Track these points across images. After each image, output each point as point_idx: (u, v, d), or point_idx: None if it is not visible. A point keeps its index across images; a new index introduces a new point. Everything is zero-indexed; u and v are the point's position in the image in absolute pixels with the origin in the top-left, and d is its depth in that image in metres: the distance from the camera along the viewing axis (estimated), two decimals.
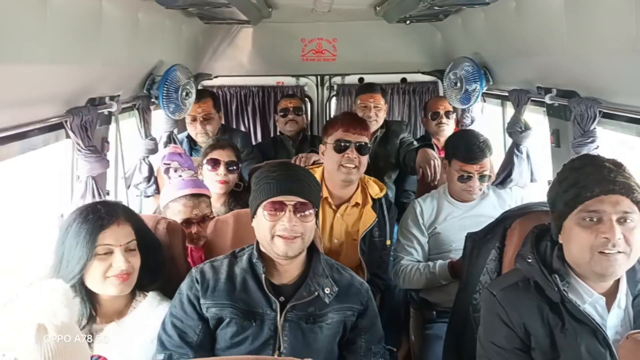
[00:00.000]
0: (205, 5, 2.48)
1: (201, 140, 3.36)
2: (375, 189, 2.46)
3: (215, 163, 2.70)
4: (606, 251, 1.41)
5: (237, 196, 2.81)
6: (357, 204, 2.44)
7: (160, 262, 1.76)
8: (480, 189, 2.54)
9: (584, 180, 1.45)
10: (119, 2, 2.20)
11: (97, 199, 2.19)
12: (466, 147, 2.50)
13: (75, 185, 2.26)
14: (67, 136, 2.19)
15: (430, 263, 2.47)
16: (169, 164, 2.38)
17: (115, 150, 2.69)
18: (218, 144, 2.80)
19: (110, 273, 1.62)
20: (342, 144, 2.36)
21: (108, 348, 1.58)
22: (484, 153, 2.48)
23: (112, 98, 2.49)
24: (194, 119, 3.35)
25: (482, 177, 2.50)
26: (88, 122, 2.16)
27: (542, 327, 1.51)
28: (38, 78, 1.85)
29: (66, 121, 2.10)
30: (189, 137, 3.51)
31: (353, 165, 2.34)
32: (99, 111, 2.33)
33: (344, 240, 2.43)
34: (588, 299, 1.50)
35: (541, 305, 1.52)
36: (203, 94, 3.39)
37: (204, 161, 2.73)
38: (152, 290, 1.75)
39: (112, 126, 2.66)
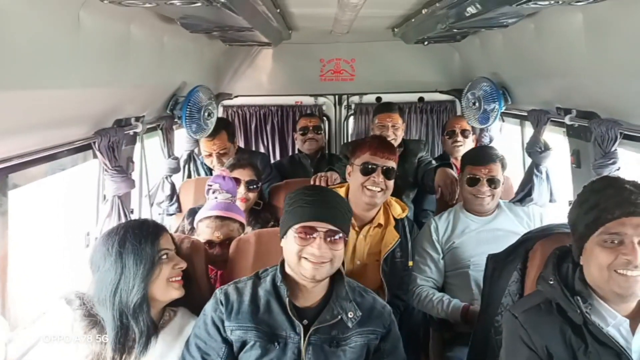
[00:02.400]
0: (228, 29, 2.54)
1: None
2: (397, 210, 2.47)
3: (235, 182, 2.74)
4: (628, 273, 1.41)
5: (257, 214, 2.85)
6: (379, 225, 2.44)
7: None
8: (491, 196, 2.55)
9: (605, 202, 1.45)
10: (146, 26, 2.27)
11: (123, 218, 2.24)
12: (476, 152, 2.68)
13: (101, 205, 2.31)
14: (95, 156, 2.25)
15: (445, 299, 2.45)
16: (211, 186, 2.45)
17: (140, 170, 2.74)
18: (238, 164, 2.84)
19: (172, 277, 1.70)
20: (369, 166, 2.36)
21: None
22: (492, 157, 2.57)
23: (137, 119, 2.55)
24: (210, 154, 3.35)
25: (490, 181, 2.53)
26: (115, 142, 2.22)
27: (565, 350, 1.49)
28: (69, 101, 1.91)
29: (94, 142, 2.16)
30: None
31: (379, 189, 2.34)
32: (125, 132, 2.39)
33: (367, 261, 2.42)
34: (611, 321, 1.48)
35: (564, 327, 1.50)
36: (217, 129, 3.32)
37: None
38: (179, 306, 1.78)
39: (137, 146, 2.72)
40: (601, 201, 1.46)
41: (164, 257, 1.70)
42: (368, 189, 2.35)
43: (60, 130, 2.00)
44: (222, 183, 2.43)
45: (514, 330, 1.57)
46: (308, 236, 1.65)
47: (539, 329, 1.53)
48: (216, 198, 2.38)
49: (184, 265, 1.74)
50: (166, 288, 1.70)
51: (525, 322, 1.55)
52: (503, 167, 2.61)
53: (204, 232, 2.30)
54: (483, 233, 2.56)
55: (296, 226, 1.67)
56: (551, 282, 1.56)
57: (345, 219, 1.72)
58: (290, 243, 1.68)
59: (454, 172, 3.02)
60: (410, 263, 2.47)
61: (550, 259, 1.66)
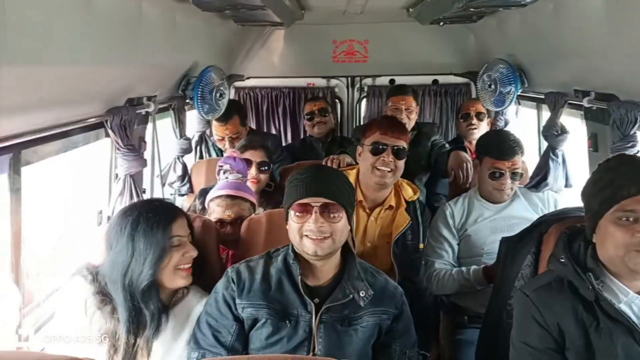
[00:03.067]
0: (240, 7, 2.52)
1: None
2: (409, 192, 2.45)
3: (247, 163, 2.74)
4: None
5: (269, 196, 2.84)
6: (390, 207, 2.42)
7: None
8: (512, 188, 2.51)
9: (620, 179, 1.44)
10: (158, 4, 2.25)
11: (135, 197, 2.24)
12: (498, 144, 2.49)
13: (113, 183, 2.33)
14: (107, 135, 2.26)
15: (464, 269, 2.44)
16: (222, 166, 2.44)
17: (152, 150, 2.75)
18: (250, 145, 2.83)
19: (180, 264, 1.68)
20: (380, 146, 2.33)
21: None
22: (516, 150, 2.47)
23: (149, 98, 2.55)
24: (222, 139, 3.35)
25: (513, 175, 2.48)
26: (127, 121, 2.22)
27: (577, 327, 1.49)
28: (80, 79, 1.91)
29: (106, 120, 2.16)
30: None
31: (388, 169, 2.32)
32: (137, 111, 2.39)
33: (377, 243, 2.42)
34: (623, 298, 1.47)
35: (575, 304, 1.50)
36: (229, 113, 3.32)
37: None
38: (192, 285, 1.78)
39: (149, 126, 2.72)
40: (616, 178, 1.45)
41: (176, 243, 1.67)
42: (378, 169, 2.32)
43: (72, 107, 2.00)
44: (232, 164, 2.43)
45: (526, 308, 1.57)
46: (305, 213, 1.66)
47: (550, 306, 1.52)
48: (227, 178, 2.38)
49: (194, 253, 1.71)
50: (173, 276, 1.68)
51: (536, 300, 1.55)
52: (523, 154, 2.54)
53: (215, 211, 2.30)
54: (497, 221, 2.52)
55: (293, 204, 1.69)
56: (562, 260, 1.56)
57: (341, 190, 1.70)
58: (291, 223, 1.70)
59: (468, 156, 2.99)
60: (422, 246, 2.45)
61: (561, 238, 1.65)
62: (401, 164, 2.37)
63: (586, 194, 1.55)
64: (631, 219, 1.42)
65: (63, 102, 1.91)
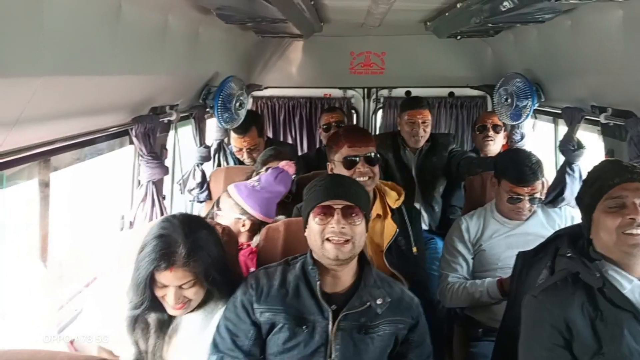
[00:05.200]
0: (262, 20, 2.58)
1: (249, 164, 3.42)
2: (392, 197, 2.40)
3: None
4: (633, 231, 1.53)
5: (286, 207, 2.87)
6: (378, 216, 2.39)
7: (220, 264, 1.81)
8: (530, 210, 2.51)
9: (605, 173, 1.63)
10: (183, 17, 2.32)
11: (156, 203, 2.30)
12: (517, 168, 2.43)
13: (135, 190, 2.38)
14: (131, 142, 2.32)
15: (478, 281, 2.44)
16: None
17: (173, 157, 2.81)
18: (275, 155, 2.85)
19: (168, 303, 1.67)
20: (351, 159, 2.31)
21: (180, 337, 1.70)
22: (536, 175, 2.42)
23: (171, 107, 2.61)
24: (240, 150, 3.40)
25: (532, 200, 2.46)
26: (150, 130, 2.28)
27: (583, 318, 1.56)
28: (108, 88, 1.97)
29: (131, 128, 2.22)
30: None
31: (367, 177, 2.30)
32: (160, 119, 2.45)
33: (371, 253, 2.36)
34: (627, 286, 1.56)
35: (581, 297, 1.58)
36: (247, 126, 3.35)
37: (262, 170, 2.80)
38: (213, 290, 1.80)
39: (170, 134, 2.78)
40: (602, 173, 1.65)
41: (159, 286, 1.64)
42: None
43: (99, 116, 2.06)
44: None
45: (535, 310, 1.63)
46: (326, 216, 1.70)
47: (557, 301, 1.60)
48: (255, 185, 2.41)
49: (184, 295, 1.66)
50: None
51: (544, 299, 1.62)
52: (543, 176, 2.49)
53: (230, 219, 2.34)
54: (513, 237, 2.51)
55: (314, 208, 1.72)
56: (569, 255, 1.67)
57: (360, 195, 1.75)
58: (311, 227, 1.73)
59: None
60: (414, 249, 2.39)
61: (565, 238, 1.78)
62: (376, 169, 2.35)
63: (580, 194, 1.73)
64: (619, 205, 1.57)
65: (91, 110, 1.96)
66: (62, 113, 1.74)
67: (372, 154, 2.35)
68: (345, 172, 2.29)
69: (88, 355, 1.48)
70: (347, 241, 1.67)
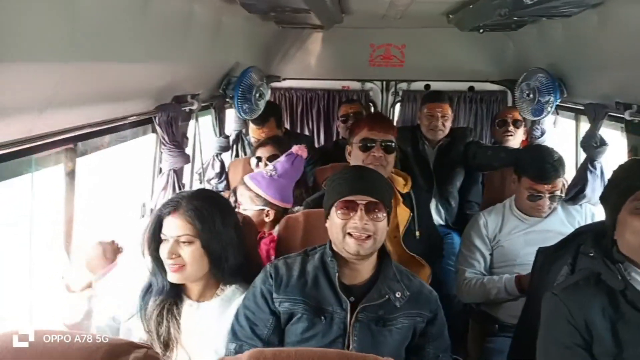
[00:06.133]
0: (285, 10, 2.57)
1: None
2: (400, 183, 2.40)
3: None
4: None
5: (301, 198, 2.88)
6: None
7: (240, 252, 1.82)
8: (550, 207, 2.49)
9: (634, 173, 1.56)
10: (208, 5, 2.32)
11: (177, 191, 2.32)
12: (538, 165, 2.42)
13: (157, 177, 2.41)
14: (153, 130, 2.34)
15: (496, 277, 2.43)
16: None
17: (193, 146, 2.83)
18: (261, 143, 2.92)
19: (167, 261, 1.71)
20: (368, 142, 2.33)
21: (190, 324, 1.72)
22: (557, 173, 2.41)
23: (193, 96, 2.62)
24: (258, 140, 3.37)
25: (552, 197, 2.44)
26: (173, 118, 2.30)
27: (604, 320, 1.51)
28: (133, 75, 1.99)
29: (155, 116, 2.24)
30: None
31: (379, 164, 2.29)
32: (182, 108, 2.47)
33: (388, 241, 2.37)
34: None
35: (602, 298, 1.54)
36: (266, 117, 3.39)
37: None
38: (232, 279, 1.82)
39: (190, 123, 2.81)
40: (630, 173, 1.58)
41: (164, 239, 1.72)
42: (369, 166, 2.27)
43: (124, 103, 2.08)
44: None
45: (555, 308, 1.60)
46: (349, 211, 1.69)
47: (578, 301, 1.56)
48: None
49: (180, 255, 1.70)
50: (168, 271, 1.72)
51: (565, 298, 1.58)
52: (564, 174, 2.48)
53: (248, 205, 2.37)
54: (532, 234, 2.50)
55: (337, 202, 1.71)
56: (591, 255, 1.62)
57: (384, 190, 1.74)
58: (333, 220, 1.73)
59: None
60: (417, 233, 2.38)
61: (589, 235, 1.72)
62: (391, 158, 2.35)
63: (604, 193, 1.68)
64: None
65: (116, 97, 1.98)
66: (88, 99, 1.77)
67: (390, 141, 2.35)
68: (360, 155, 2.32)
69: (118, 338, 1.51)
70: (368, 237, 1.67)
